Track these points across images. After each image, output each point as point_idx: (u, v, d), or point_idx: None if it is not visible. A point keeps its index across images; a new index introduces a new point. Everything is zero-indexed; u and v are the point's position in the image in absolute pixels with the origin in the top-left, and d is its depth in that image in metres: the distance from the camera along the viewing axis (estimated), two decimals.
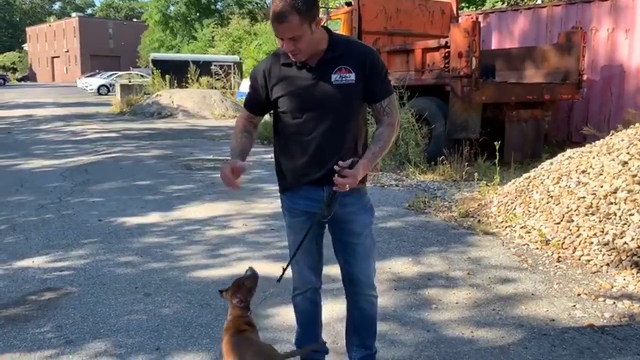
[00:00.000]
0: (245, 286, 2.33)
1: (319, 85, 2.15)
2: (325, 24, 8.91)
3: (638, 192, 4.37)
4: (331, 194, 2.16)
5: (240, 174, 2.20)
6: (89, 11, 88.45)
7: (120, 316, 3.34)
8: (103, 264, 4.24)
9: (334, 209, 2.20)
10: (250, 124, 2.39)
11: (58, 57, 69.43)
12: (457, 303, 3.52)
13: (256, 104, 2.33)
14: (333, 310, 3.26)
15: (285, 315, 3.24)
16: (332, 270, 2.70)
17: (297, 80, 2.17)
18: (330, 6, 13.47)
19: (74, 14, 71.06)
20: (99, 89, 34.67)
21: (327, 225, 2.37)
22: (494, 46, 10.77)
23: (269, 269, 4.10)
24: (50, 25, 71.46)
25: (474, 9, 16.02)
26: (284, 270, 2.33)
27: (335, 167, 2.07)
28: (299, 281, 2.48)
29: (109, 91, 33.01)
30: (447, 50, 7.65)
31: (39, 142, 11.80)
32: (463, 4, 15.67)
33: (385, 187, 7.05)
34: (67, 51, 66.65)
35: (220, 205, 6.10)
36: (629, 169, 4.66)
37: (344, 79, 2.14)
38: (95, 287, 3.79)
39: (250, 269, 2.39)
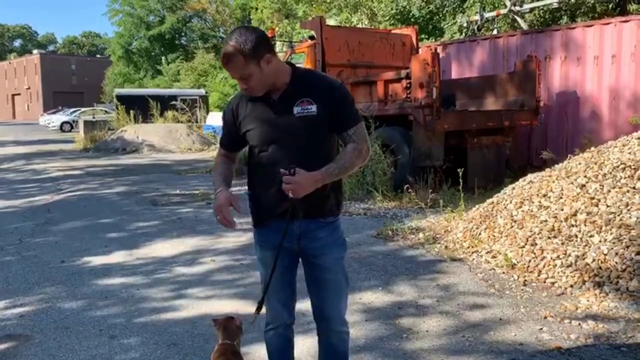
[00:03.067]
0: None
1: (281, 118, 2.20)
2: (290, 58, 9.03)
3: (596, 214, 4.51)
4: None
5: (235, 207, 2.24)
6: (51, 47, 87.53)
7: None
8: (66, 307, 4.11)
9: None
10: (228, 159, 2.46)
11: (19, 94, 68.08)
12: (427, 331, 3.53)
13: (229, 140, 2.41)
14: (304, 345, 3.22)
15: (256, 352, 3.19)
16: (304, 304, 2.68)
17: (262, 113, 2.23)
18: (294, 40, 13.70)
19: (35, 51, 70.08)
20: (61, 125, 34.10)
21: (299, 260, 2.36)
22: (453, 76, 11.08)
23: (238, 306, 4.05)
24: (10, 62, 70.27)
25: (434, 40, 16.51)
26: (258, 309, 2.30)
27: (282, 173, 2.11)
28: (271, 317, 2.44)
29: (72, 128, 32.49)
30: (408, 81, 7.85)
31: None
32: (423, 36, 16.14)
33: (354, 215, 7.09)
34: (29, 88, 65.49)
35: (187, 241, 6.02)
36: (587, 191, 4.82)
37: (305, 110, 2.19)
38: (58, 331, 3.67)
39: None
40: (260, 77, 2.15)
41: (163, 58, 38.93)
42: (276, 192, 2.20)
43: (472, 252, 5.08)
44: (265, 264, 2.36)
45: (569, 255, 4.32)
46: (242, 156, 2.53)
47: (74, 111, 36.55)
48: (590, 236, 4.36)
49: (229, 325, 2.63)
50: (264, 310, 2.42)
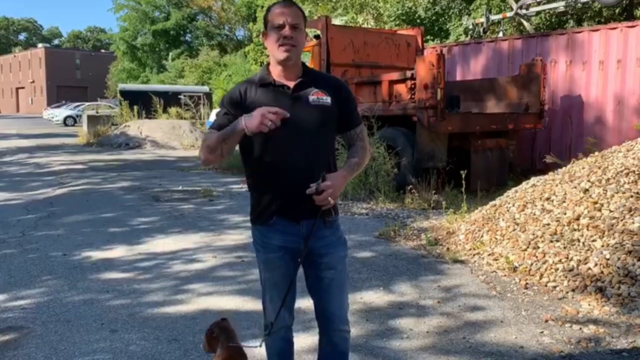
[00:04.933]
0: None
1: (296, 105, 2.15)
2: None
3: (599, 219, 4.50)
4: (317, 217, 2.14)
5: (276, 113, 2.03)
6: (56, 42, 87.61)
7: (85, 355, 3.24)
8: (67, 300, 4.12)
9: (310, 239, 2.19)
10: None
11: (23, 87, 68.17)
12: (427, 332, 3.53)
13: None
14: (305, 344, 3.22)
15: (257, 351, 3.18)
16: (303, 303, 2.68)
17: (274, 99, 2.16)
18: None
19: (40, 45, 70.14)
20: (65, 120, 34.16)
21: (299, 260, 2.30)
22: (458, 78, 11.06)
23: (239, 303, 4.06)
24: (15, 56, 70.36)
25: (439, 41, 16.50)
26: (272, 324, 2.29)
27: (309, 191, 2.07)
28: (273, 319, 2.34)
29: (75, 122, 32.56)
30: (413, 82, 7.84)
31: (2, 174, 11.50)
32: (428, 37, 16.13)
33: (356, 216, 7.09)
34: (33, 82, 65.56)
35: (188, 237, 6.02)
36: (590, 196, 4.81)
37: (321, 100, 2.18)
38: (59, 324, 3.68)
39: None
40: (303, 38, 2.18)
41: (170, 54, 38.97)
42: (281, 189, 2.16)
43: (474, 254, 5.08)
44: (269, 267, 2.30)
45: (571, 259, 4.31)
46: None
47: (78, 106, 36.62)
48: (593, 241, 4.35)
49: (227, 327, 2.44)
50: (260, 307, 2.40)
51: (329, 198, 2.08)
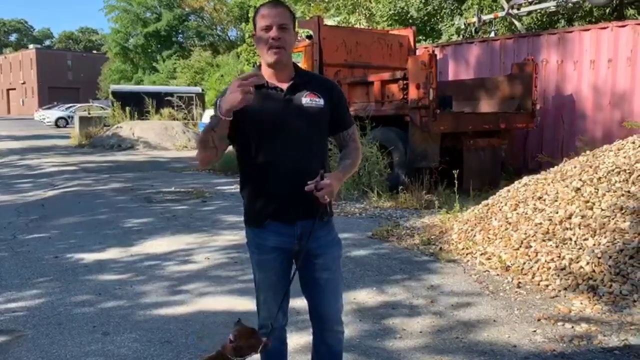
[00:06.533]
0: (251, 340, 2.15)
1: (290, 108, 2.15)
2: None
3: (591, 217, 4.52)
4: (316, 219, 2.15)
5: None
6: (47, 42, 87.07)
7: (76, 358, 3.22)
8: (59, 303, 4.09)
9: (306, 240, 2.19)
10: None
11: (14, 89, 67.73)
12: (420, 332, 3.53)
13: None
14: (298, 344, 3.22)
15: None
16: (296, 302, 2.67)
17: (268, 102, 2.16)
18: None
19: (31, 46, 69.69)
20: (56, 121, 33.98)
21: (293, 261, 2.30)
22: (450, 77, 11.09)
23: (232, 303, 4.05)
24: (6, 57, 69.88)
25: (431, 41, 16.52)
26: (271, 325, 2.24)
27: (307, 188, 2.05)
28: (267, 320, 2.32)
29: (67, 124, 32.41)
30: (405, 82, 7.85)
31: None
32: (420, 37, 16.15)
33: (349, 216, 7.09)
34: (24, 83, 65.15)
35: (181, 238, 6.00)
36: (581, 195, 4.84)
37: (314, 102, 2.18)
38: (51, 327, 3.65)
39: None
40: (292, 39, 2.17)
41: (159, 56, 38.81)
42: (276, 190, 2.16)
43: (467, 254, 5.09)
44: (263, 268, 2.29)
45: (563, 258, 4.33)
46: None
47: (70, 107, 36.42)
48: (585, 239, 4.37)
49: (244, 339, 2.16)
50: (254, 308, 2.39)
51: (326, 196, 2.08)
